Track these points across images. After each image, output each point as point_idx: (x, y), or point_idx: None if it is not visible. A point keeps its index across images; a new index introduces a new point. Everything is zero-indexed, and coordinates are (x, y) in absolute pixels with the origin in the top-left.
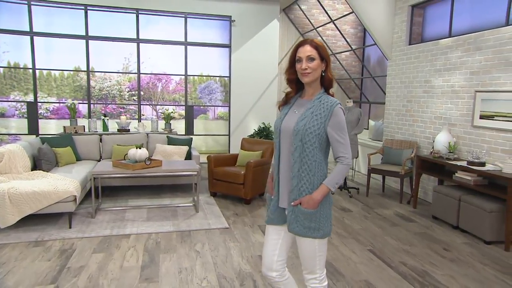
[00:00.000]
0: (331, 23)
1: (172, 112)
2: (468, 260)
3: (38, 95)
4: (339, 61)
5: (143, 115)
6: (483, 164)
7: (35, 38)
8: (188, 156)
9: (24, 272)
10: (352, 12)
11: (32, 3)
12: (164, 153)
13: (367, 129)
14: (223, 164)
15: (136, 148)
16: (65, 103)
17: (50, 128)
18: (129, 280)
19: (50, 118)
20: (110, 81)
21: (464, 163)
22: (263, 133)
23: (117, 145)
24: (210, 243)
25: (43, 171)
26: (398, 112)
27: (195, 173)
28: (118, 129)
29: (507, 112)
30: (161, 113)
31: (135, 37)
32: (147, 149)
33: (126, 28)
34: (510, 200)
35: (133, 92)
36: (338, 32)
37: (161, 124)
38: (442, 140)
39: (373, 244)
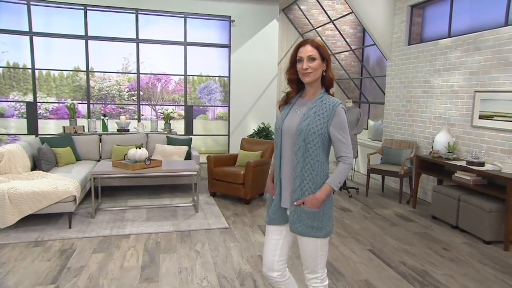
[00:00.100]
0: (331, 23)
1: (171, 112)
2: (467, 260)
3: (37, 95)
4: (338, 61)
5: (142, 115)
6: (482, 164)
7: (34, 38)
8: (188, 156)
9: (24, 272)
10: (352, 12)
11: (31, 3)
12: (163, 153)
13: (367, 129)
14: (222, 164)
15: (136, 148)
16: (64, 103)
17: (50, 128)
18: (129, 280)
19: (50, 118)
20: (109, 81)
21: (463, 163)
22: (263, 133)
23: (117, 145)
24: (210, 243)
25: (43, 171)
26: (398, 112)
27: (195, 173)
28: (117, 129)
29: (506, 112)
30: (161, 113)
31: (134, 37)
32: (146, 149)
33: (125, 28)
34: (509, 200)
35: (133, 92)
36: (337, 32)
37: (161, 124)
38: (441, 140)
39: (372, 244)
